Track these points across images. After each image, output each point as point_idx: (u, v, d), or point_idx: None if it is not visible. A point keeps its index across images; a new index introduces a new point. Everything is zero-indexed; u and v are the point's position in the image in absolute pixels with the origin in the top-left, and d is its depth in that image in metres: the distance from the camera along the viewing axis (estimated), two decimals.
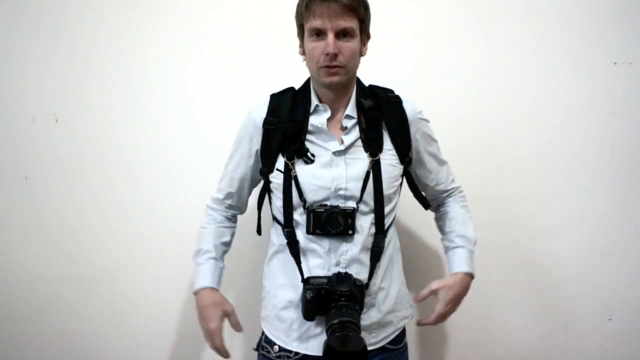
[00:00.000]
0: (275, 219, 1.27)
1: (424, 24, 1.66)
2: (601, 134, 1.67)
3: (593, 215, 1.68)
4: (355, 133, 1.21)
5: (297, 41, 1.23)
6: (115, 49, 1.65)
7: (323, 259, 1.18)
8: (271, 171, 1.22)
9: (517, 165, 1.68)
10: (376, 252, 1.20)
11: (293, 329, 1.21)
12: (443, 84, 1.65)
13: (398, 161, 1.23)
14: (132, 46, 1.65)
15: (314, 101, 1.22)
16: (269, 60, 1.64)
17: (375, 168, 1.18)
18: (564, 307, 1.70)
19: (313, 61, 1.16)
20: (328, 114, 1.21)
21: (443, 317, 1.25)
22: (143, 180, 1.66)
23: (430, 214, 1.43)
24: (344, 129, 1.21)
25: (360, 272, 1.18)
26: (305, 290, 1.15)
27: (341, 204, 1.17)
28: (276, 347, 1.24)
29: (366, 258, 1.19)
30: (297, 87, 1.28)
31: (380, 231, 1.20)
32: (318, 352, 1.17)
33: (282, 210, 1.21)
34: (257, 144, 1.24)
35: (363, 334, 1.09)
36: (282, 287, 1.24)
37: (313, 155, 1.18)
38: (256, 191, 1.36)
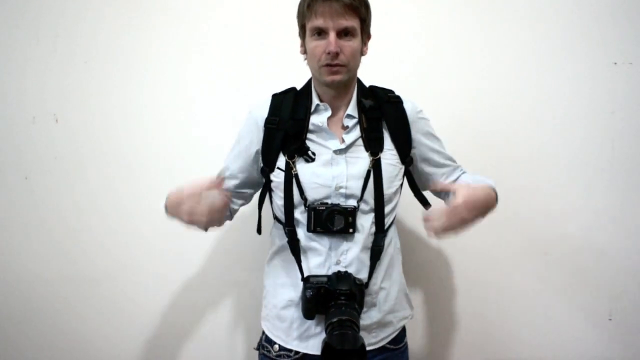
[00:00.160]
0: (276, 218, 1.28)
1: (424, 23, 1.66)
2: (601, 134, 1.67)
3: (593, 215, 1.68)
4: (356, 132, 1.21)
5: (297, 41, 1.24)
6: (115, 49, 1.65)
7: (323, 257, 1.19)
8: (272, 170, 1.22)
9: (517, 164, 1.68)
10: (376, 251, 1.20)
11: (293, 328, 1.22)
12: (444, 83, 1.66)
13: (399, 161, 1.23)
14: (132, 46, 1.65)
15: (315, 100, 1.23)
16: (269, 60, 1.64)
17: (375, 167, 1.19)
18: (564, 307, 1.70)
19: (314, 60, 1.16)
20: (329, 112, 1.21)
21: (456, 216, 1.09)
22: (143, 180, 1.66)
23: None
24: (345, 128, 1.22)
25: (360, 271, 1.18)
26: (305, 288, 1.15)
27: (342, 202, 1.17)
28: (276, 347, 1.24)
29: (366, 257, 1.20)
30: (297, 87, 1.28)
31: (381, 230, 1.20)
32: (318, 351, 1.16)
33: (283, 209, 1.21)
34: (257, 144, 1.25)
35: (363, 334, 1.10)
36: (283, 286, 1.25)
37: (314, 154, 1.19)
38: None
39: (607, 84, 1.66)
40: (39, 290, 1.68)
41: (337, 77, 1.16)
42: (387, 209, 1.21)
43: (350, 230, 1.16)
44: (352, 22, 1.13)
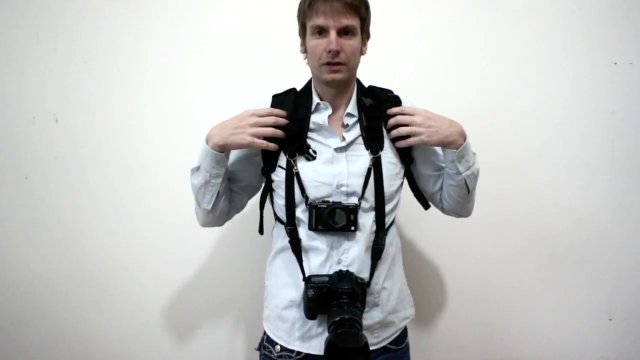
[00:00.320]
0: (277, 218, 1.28)
1: (425, 23, 1.67)
2: (601, 134, 1.67)
3: (593, 215, 1.69)
4: (357, 131, 1.22)
5: (297, 41, 1.24)
6: (115, 49, 1.65)
7: (325, 257, 1.19)
8: (273, 169, 1.22)
9: (517, 164, 1.68)
10: (377, 250, 1.20)
11: (295, 329, 1.22)
12: (444, 83, 1.66)
13: (398, 160, 1.24)
14: (132, 46, 1.65)
15: (315, 99, 1.23)
16: (269, 60, 1.64)
17: (376, 165, 1.19)
18: (564, 307, 1.70)
19: (315, 58, 1.17)
20: (329, 111, 1.22)
21: (415, 111, 1.19)
22: (143, 180, 1.66)
23: (430, 214, 1.43)
24: (345, 126, 1.22)
25: (362, 271, 1.19)
26: (306, 288, 1.15)
27: (343, 200, 1.18)
28: (278, 347, 1.24)
29: (367, 256, 1.20)
30: (297, 88, 1.28)
31: (382, 229, 1.21)
32: (320, 351, 1.17)
33: (284, 208, 1.21)
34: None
35: (365, 334, 1.09)
36: (284, 286, 1.24)
37: (315, 152, 1.19)
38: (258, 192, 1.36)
39: (607, 84, 1.66)
40: (39, 290, 1.68)
41: (338, 75, 1.16)
42: (387, 208, 1.21)
43: (352, 228, 1.16)
44: (353, 21, 1.14)
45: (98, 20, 1.64)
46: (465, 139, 1.20)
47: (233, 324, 1.69)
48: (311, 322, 1.19)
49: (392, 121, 1.20)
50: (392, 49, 1.63)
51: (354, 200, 1.18)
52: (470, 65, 1.66)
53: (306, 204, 1.18)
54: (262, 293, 1.33)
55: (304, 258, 1.20)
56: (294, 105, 1.23)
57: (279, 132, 1.17)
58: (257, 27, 1.65)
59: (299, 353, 1.21)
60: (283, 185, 1.20)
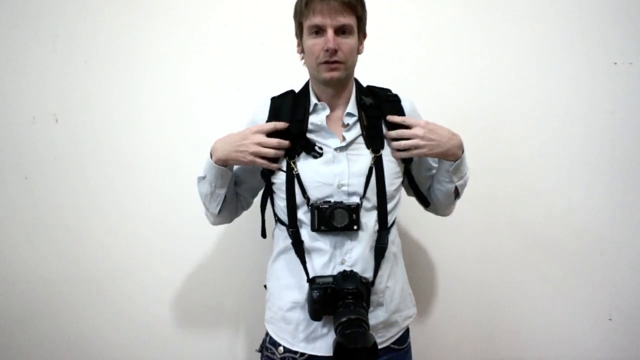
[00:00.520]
0: (279, 219, 1.27)
1: (425, 23, 1.66)
2: (601, 134, 1.67)
3: (593, 215, 1.69)
4: (357, 130, 1.22)
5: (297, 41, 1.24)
6: (115, 49, 1.65)
7: (328, 257, 1.18)
8: (273, 172, 1.22)
9: (517, 164, 1.68)
10: (380, 249, 1.20)
11: (299, 330, 1.21)
12: (444, 83, 1.66)
13: (399, 158, 1.24)
14: (132, 46, 1.65)
15: (313, 100, 1.23)
16: (269, 60, 1.64)
17: (377, 164, 1.19)
18: (564, 307, 1.70)
19: (312, 58, 1.17)
20: (327, 111, 1.22)
21: (416, 121, 1.19)
22: (143, 180, 1.66)
23: (430, 214, 1.43)
24: (345, 125, 1.22)
25: (365, 270, 1.18)
26: (311, 289, 1.14)
27: (345, 200, 1.18)
28: (281, 349, 1.23)
29: (371, 256, 1.20)
30: (296, 88, 1.28)
31: (384, 228, 1.20)
32: (325, 352, 1.17)
33: (285, 209, 1.21)
34: None
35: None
36: (287, 287, 1.24)
37: (321, 149, 1.20)
38: (259, 194, 1.36)
39: (607, 84, 1.66)
40: (39, 290, 1.67)
41: (336, 73, 1.16)
42: (389, 206, 1.21)
43: (355, 227, 1.16)
44: (349, 20, 1.15)
45: (98, 20, 1.64)
46: (463, 151, 1.22)
47: (233, 325, 1.69)
48: (316, 324, 1.19)
49: (393, 134, 1.20)
50: (392, 49, 1.63)
51: (355, 199, 1.18)
52: (470, 65, 1.66)
53: (308, 205, 1.18)
54: (263, 294, 1.33)
55: (307, 259, 1.20)
56: (292, 107, 1.23)
57: (280, 153, 1.19)
58: (257, 27, 1.65)
59: (302, 354, 1.21)
60: (284, 187, 1.20)
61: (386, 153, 1.21)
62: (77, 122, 1.66)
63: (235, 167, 1.29)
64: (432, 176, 1.33)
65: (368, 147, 1.21)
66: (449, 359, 1.72)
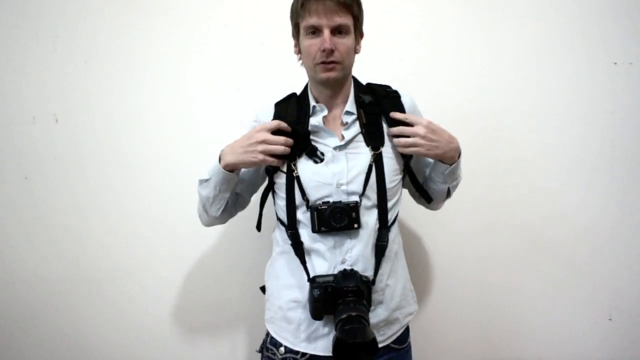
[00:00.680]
0: (279, 219, 1.27)
1: (425, 22, 1.66)
2: (601, 133, 1.67)
3: (593, 215, 1.68)
4: (356, 128, 1.22)
5: None
6: (115, 49, 1.65)
7: (328, 257, 1.18)
8: (275, 171, 1.23)
9: (517, 164, 1.68)
10: (381, 247, 1.20)
11: (301, 330, 1.21)
12: (444, 82, 1.66)
13: (399, 155, 1.24)
14: (132, 46, 1.65)
15: (312, 102, 1.23)
16: (269, 60, 1.64)
17: (377, 161, 1.19)
18: (564, 307, 1.70)
19: (309, 58, 1.17)
20: (324, 112, 1.23)
21: (418, 121, 1.19)
22: (143, 180, 1.66)
23: (430, 214, 1.43)
24: (344, 124, 1.22)
25: (366, 269, 1.18)
26: (312, 289, 1.15)
27: (344, 199, 1.17)
28: (282, 349, 1.23)
29: (371, 254, 1.20)
30: (296, 88, 1.29)
31: (384, 226, 1.20)
32: (326, 352, 1.17)
33: (285, 210, 1.21)
34: None
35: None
36: (286, 287, 1.24)
37: (322, 154, 1.19)
38: (260, 189, 1.36)
39: (607, 84, 1.66)
40: (39, 290, 1.67)
41: (333, 74, 1.16)
42: (389, 204, 1.21)
43: (355, 226, 1.16)
44: (346, 20, 1.15)
45: (98, 20, 1.64)
46: (459, 155, 1.23)
47: (233, 325, 1.69)
48: (317, 323, 1.19)
49: (394, 131, 1.20)
50: (392, 48, 1.63)
51: (355, 198, 1.18)
52: (470, 64, 1.66)
53: (307, 206, 1.18)
54: (262, 294, 1.33)
55: (307, 259, 1.20)
56: (297, 110, 1.23)
57: (288, 150, 1.18)
58: (257, 27, 1.65)
59: (304, 354, 1.21)
60: (284, 188, 1.20)
61: (386, 150, 1.21)
62: (77, 122, 1.66)
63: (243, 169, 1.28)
64: (426, 171, 1.34)
65: (368, 145, 1.20)
66: (449, 359, 1.72)
